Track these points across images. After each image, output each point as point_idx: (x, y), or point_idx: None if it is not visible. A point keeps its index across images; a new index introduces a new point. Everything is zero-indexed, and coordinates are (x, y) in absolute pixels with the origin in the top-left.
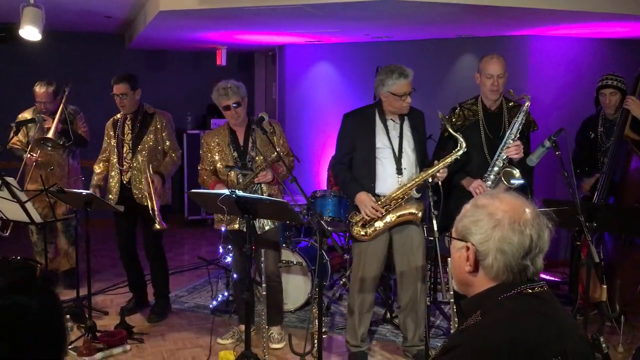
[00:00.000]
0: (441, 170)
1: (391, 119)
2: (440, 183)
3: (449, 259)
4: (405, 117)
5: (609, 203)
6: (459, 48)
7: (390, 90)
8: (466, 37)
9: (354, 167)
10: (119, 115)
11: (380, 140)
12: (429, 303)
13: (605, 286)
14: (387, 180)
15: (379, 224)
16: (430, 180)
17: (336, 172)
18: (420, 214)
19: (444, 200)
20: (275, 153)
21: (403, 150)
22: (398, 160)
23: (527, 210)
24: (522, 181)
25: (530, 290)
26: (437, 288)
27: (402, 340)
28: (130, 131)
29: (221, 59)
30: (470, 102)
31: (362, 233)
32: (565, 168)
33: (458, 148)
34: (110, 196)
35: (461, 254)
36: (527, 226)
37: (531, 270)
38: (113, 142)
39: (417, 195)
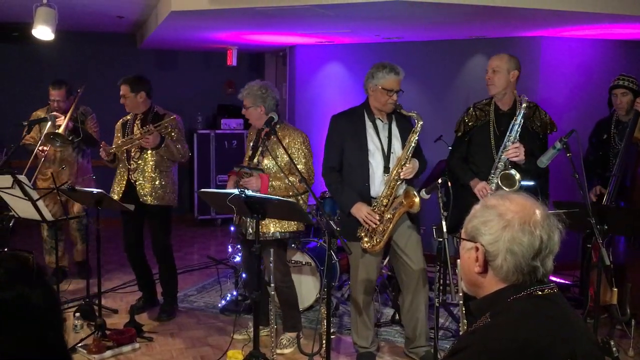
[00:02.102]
0: (408, 167)
1: (379, 119)
2: (449, 184)
3: (458, 260)
4: (394, 118)
5: (619, 206)
6: (470, 49)
7: (379, 83)
8: (477, 38)
9: (345, 169)
10: (128, 117)
11: (371, 140)
12: (437, 304)
13: (615, 289)
14: (377, 180)
15: (379, 228)
16: (400, 174)
17: (328, 180)
18: (416, 199)
19: (455, 200)
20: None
21: (392, 150)
22: (386, 159)
23: (537, 211)
24: (518, 186)
25: (540, 292)
26: (446, 290)
27: (405, 342)
28: (139, 131)
29: (232, 59)
30: (484, 102)
31: (374, 243)
32: (576, 170)
33: (416, 125)
34: (114, 195)
35: (470, 255)
36: (537, 227)
37: (541, 271)
38: (121, 141)
39: (427, 197)
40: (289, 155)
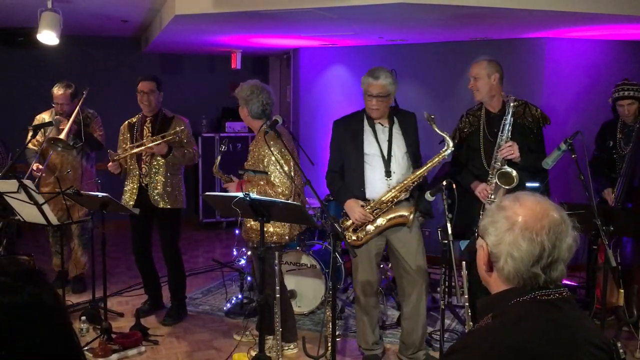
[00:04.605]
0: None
1: (379, 123)
2: (454, 186)
3: (463, 262)
4: (395, 120)
5: (627, 207)
6: (474, 51)
7: (363, 88)
8: (481, 40)
9: (345, 173)
10: (134, 119)
11: (369, 144)
12: (443, 307)
13: (622, 291)
14: (376, 185)
15: (370, 228)
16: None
17: (328, 181)
18: (411, 216)
19: (458, 204)
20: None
21: (392, 153)
22: (387, 163)
23: (549, 216)
24: (516, 182)
25: (545, 297)
26: (451, 292)
27: (400, 346)
28: (150, 134)
29: (236, 63)
30: (475, 108)
31: (354, 238)
32: (581, 171)
33: (445, 147)
34: (127, 198)
35: (480, 252)
36: (541, 234)
37: (543, 278)
38: (130, 144)
39: (432, 199)
40: (276, 161)
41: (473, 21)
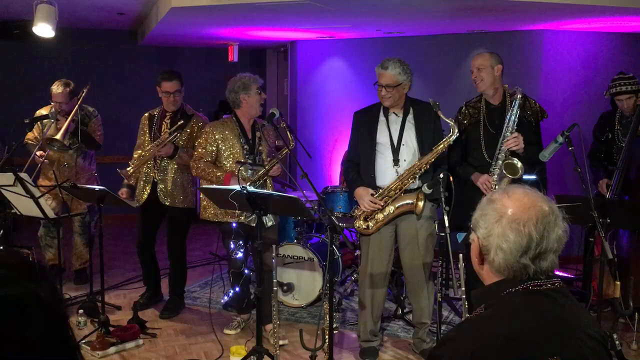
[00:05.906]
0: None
1: (394, 113)
2: (452, 179)
3: (460, 254)
4: (411, 110)
5: (623, 199)
6: (471, 43)
7: (377, 77)
8: (478, 32)
9: (360, 164)
10: (155, 111)
11: (381, 133)
12: (440, 299)
13: (618, 283)
14: (386, 173)
15: (379, 216)
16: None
17: (344, 169)
18: (420, 203)
19: (456, 196)
20: (286, 150)
21: (403, 142)
22: (395, 151)
23: (537, 207)
24: (522, 173)
25: (537, 287)
26: (448, 284)
27: (413, 333)
28: (168, 129)
29: (233, 55)
30: (475, 100)
31: (364, 226)
32: (578, 164)
33: (450, 133)
34: (140, 193)
35: (473, 245)
36: (528, 225)
37: (532, 269)
38: (148, 138)
39: (429, 192)
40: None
41: (471, 13)
